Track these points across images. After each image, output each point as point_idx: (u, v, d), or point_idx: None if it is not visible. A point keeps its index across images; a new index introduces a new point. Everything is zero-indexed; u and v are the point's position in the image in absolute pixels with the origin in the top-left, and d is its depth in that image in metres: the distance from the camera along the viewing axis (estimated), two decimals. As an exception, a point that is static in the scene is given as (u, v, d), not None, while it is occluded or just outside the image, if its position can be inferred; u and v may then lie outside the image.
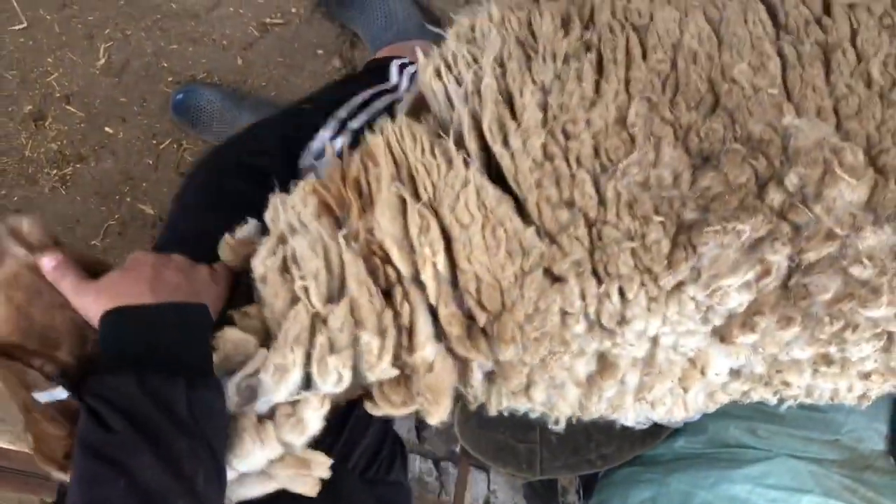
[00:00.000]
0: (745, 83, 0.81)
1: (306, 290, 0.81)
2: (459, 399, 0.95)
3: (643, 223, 0.76)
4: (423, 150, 0.86)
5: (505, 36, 0.91)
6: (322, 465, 0.84)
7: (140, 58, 1.85)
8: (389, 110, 1.25)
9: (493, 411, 0.92)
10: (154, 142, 1.89)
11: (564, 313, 0.79)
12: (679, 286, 0.77)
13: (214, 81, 1.86)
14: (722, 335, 0.81)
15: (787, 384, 0.85)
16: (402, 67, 1.47)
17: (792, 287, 0.79)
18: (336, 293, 0.83)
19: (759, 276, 0.77)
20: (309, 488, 0.85)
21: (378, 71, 1.46)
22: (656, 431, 1.18)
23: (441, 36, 1.00)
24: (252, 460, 0.81)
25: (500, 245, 0.79)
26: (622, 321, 0.79)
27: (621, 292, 0.77)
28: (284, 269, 0.84)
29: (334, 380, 0.79)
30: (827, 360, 0.82)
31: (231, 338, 0.80)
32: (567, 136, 0.80)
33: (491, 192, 0.81)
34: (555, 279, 0.79)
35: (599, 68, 0.85)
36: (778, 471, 1.15)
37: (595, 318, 0.79)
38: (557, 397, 0.87)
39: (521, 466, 1.36)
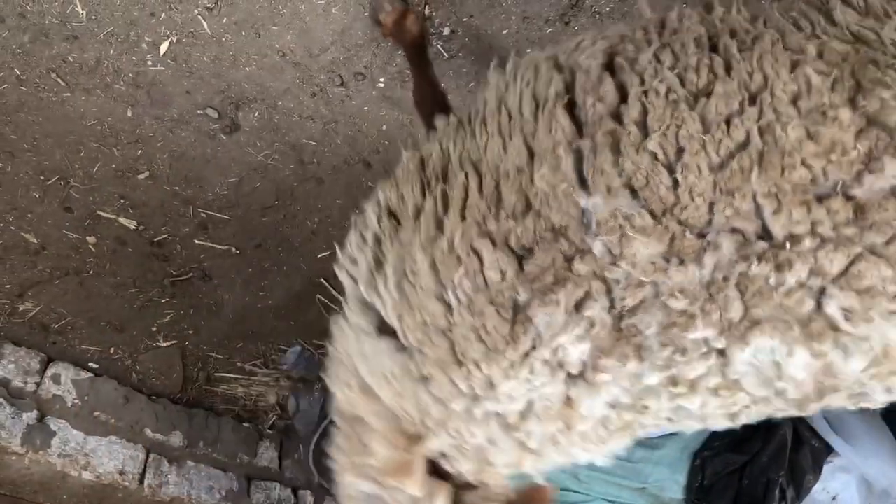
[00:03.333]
0: (544, 185, 1.03)
1: None
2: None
3: (480, 316, 0.99)
4: None
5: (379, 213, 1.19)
6: None
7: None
8: None
9: None
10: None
11: (437, 399, 1.03)
12: (527, 354, 0.98)
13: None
14: (585, 378, 1.00)
15: (646, 408, 1.01)
16: None
17: (624, 328, 0.97)
18: None
19: (587, 328, 0.97)
20: None
21: None
22: None
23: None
24: None
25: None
26: (490, 386, 1.01)
27: (479, 369, 1.00)
28: None
29: None
30: (673, 381, 0.98)
31: None
32: (414, 274, 1.06)
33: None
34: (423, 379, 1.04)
35: (445, 206, 1.09)
36: None
37: (470, 391, 1.02)
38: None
39: None
